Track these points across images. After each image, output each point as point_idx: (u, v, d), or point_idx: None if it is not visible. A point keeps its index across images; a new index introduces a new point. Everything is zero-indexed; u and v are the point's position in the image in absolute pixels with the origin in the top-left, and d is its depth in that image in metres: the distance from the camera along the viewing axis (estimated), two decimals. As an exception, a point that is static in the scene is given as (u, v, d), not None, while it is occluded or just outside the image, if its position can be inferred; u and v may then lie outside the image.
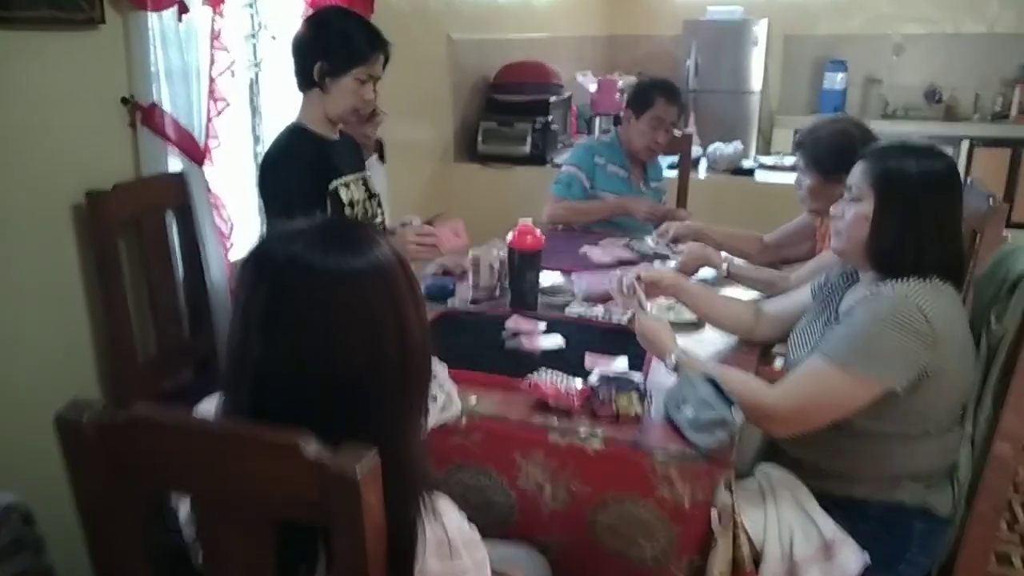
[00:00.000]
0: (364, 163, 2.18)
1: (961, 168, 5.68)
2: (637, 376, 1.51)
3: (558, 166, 3.91)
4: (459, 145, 4.04)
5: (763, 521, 1.49)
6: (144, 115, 2.15)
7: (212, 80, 2.30)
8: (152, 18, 2.10)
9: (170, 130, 2.21)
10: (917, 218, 1.46)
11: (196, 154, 2.28)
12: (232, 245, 2.49)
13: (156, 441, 0.84)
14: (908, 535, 1.49)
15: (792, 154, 4.49)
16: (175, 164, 2.26)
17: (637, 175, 3.03)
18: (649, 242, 2.62)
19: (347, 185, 2.00)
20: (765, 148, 5.94)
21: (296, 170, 1.89)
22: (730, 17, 5.86)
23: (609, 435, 1.43)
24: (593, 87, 4.64)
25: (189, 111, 2.25)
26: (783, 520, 1.49)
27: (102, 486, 0.87)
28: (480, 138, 3.98)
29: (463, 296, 2.14)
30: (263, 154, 2.01)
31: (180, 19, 2.17)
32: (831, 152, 2.08)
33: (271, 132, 2.87)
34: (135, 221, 2.12)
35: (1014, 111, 5.64)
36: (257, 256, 0.91)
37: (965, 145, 5.60)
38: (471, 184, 3.96)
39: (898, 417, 1.44)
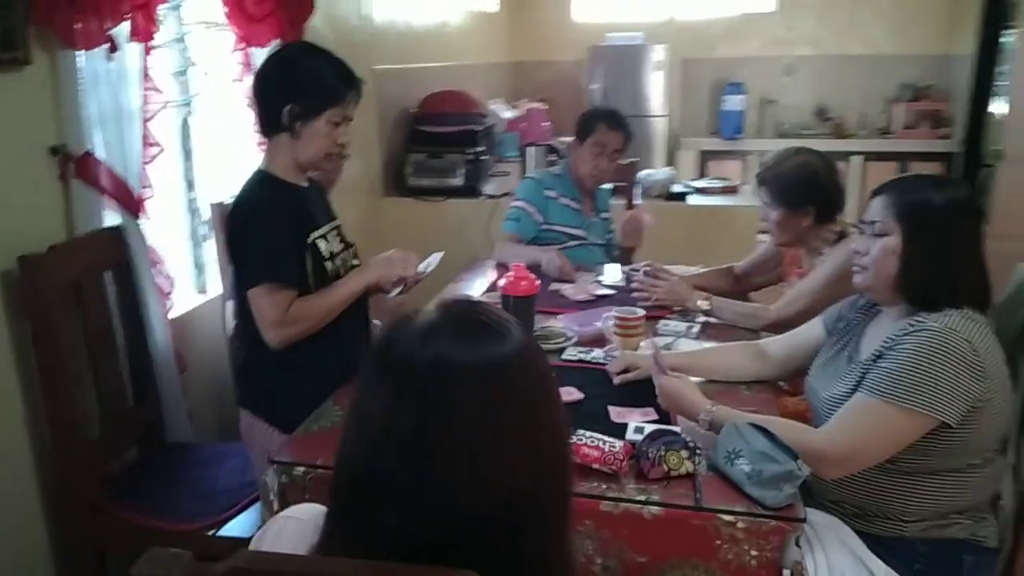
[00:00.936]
0: (333, 212, 2.00)
1: (855, 182, 6.00)
2: (680, 429, 1.43)
3: (491, 197, 3.84)
4: (387, 178, 3.88)
5: (814, 570, 1.43)
6: (77, 165, 1.91)
7: (146, 122, 2.08)
8: (81, 58, 1.88)
9: (105, 180, 1.98)
10: (949, 249, 1.45)
11: (132, 206, 2.06)
12: (171, 305, 2.27)
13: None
14: (959, 570, 1.47)
15: (710, 177, 4.65)
16: (109, 218, 2.03)
17: (588, 206, 2.98)
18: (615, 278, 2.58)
19: (324, 237, 1.83)
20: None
21: (276, 224, 1.69)
22: (631, 43, 5.94)
23: (666, 497, 1.34)
24: (508, 115, 4.58)
25: (123, 158, 2.03)
26: (835, 568, 1.43)
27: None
28: (409, 170, 3.84)
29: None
30: (231, 208, 1.79)
31: (110, 58, 1.95)
32: (796, 185, 2.10)
33: (205, 177, 2.65)
34: (74, 285, 1.87)
35: (897, 127, 5.98)
36: (388, 367, 0.74)
37: (855, 160, 5.88)
38: (402, 218, 3.80)
39: (947, 451, 1.41)
